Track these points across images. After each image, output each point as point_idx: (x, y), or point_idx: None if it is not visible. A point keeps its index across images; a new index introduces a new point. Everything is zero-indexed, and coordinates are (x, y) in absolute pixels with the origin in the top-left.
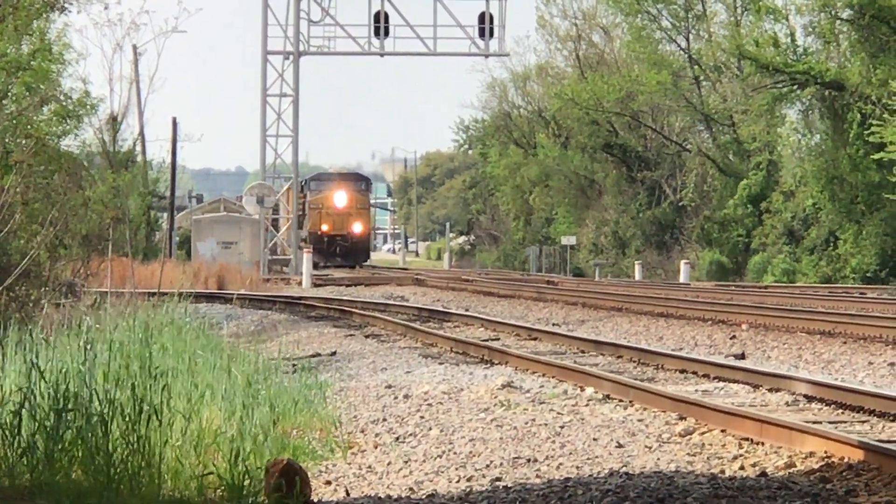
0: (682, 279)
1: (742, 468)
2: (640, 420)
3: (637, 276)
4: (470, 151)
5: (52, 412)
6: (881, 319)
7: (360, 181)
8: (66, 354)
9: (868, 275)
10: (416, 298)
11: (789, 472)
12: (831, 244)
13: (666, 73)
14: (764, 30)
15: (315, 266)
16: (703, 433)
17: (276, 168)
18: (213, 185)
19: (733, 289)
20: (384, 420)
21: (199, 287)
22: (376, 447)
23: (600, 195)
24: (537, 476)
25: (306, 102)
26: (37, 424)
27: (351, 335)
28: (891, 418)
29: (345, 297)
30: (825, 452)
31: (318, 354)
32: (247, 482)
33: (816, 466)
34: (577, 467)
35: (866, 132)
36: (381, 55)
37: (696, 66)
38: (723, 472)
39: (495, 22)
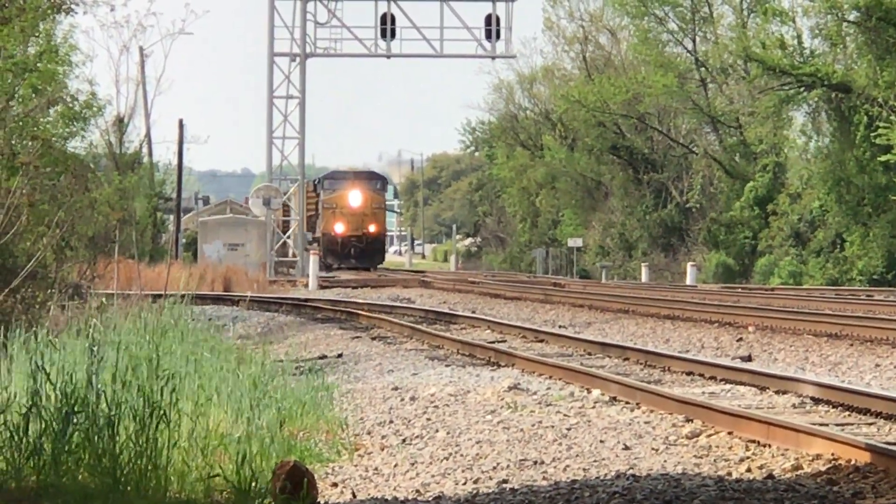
0: (688, 281)
1: (749, 470)
2: (646, 422)
3: (644, 278)
4: (476, 153)
5: (59, 414)
6: (888, 322)
7: (375, 180)
8: (73, 356)
9: (875, 277)
10: (423, 300)
11: (796, 475)
12: (838, 246)
13: (672, 76)
14: (770, 32)
15: (329, 268)
16: (709, 435)
17: (282, 170)
18: (220, 187)
19: (740, 291)
20: (391, 422)
21: (206, 289)
22: (383, 449)
23: (607, 197)
24: (544, 478)
25: (313, 104)
26: (43, 426)
27: (357, 337)
28: None
29: (351, 300)
30: (832, 455)
31: (325, 356)
32: (253, 484)
33: (823, 469)
34: (584, 469)
35: (873, 134)
36: (388, 57)
37: (702, 69)
38: (729, 474)
39: (502, 24)
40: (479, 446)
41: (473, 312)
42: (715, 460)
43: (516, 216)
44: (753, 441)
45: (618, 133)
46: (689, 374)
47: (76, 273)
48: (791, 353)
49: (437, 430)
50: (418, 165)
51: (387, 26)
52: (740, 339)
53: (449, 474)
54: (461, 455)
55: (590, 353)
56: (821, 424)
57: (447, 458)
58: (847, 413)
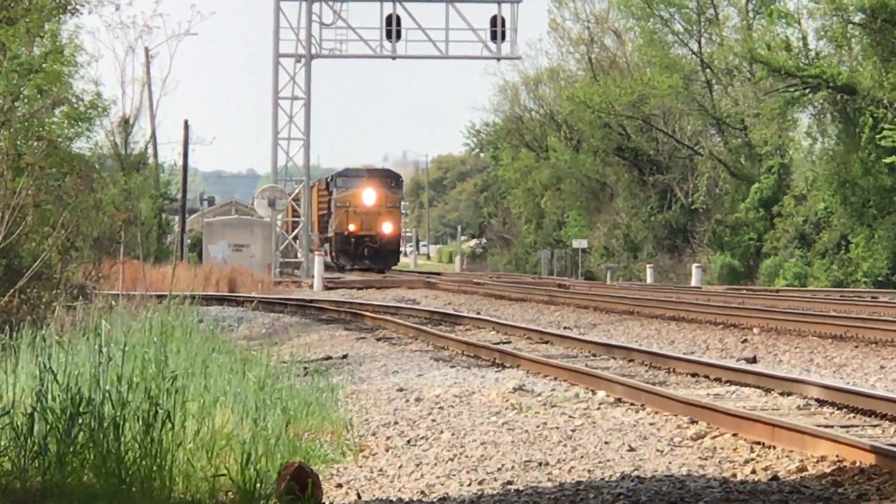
0: (693, 283)
1: (754, 472)
2: (651, 424)
3: (649, 279)
4: (481, 154)
5: (65, 415)
6: (893, 323)
7: (390, 178)
8: (79, 357)
9: (880, 279)
10: (428, 301)
11: (801, 476)
12: (843, 248)
13: (678, 77)
14: (776, 33)
15: (342, 269)
16: (714, 437)
17: (287, 171)
18: (225, 188)
19: (745, 292)
20: (395, 423)
21: (211, 290)
22: (388, 450)
23: (612, 198)
24: (549, 479)
25: (318, 105)
26: (49, 427)
27: (362, 338)
28: None
29: (356, 300)
30: (837, 456)
31: (330, 357)
32: (258, 485)
33: (828, 470)
34: (589, 471)
35: (878, 136)
36: (393, 58)
37: (707, 70)
38: (734, 475)
39: (507, 25)
40: (483, 447)
41: (478, 313)
42: (720, 462)
43: (521, 217)
44: (758, 443)
45: (623, 134)
46: (694, 375)
47: (81, 274)
48: (796, 355)
49: (441, 432)
50: (423, 166)
51: (392, 27)
52: (745, 340)
53: (454, 475)
54: (466, 456)
55: (595, 355)
56: (826, 426)
57: (452, 460)
58: (852, 415)
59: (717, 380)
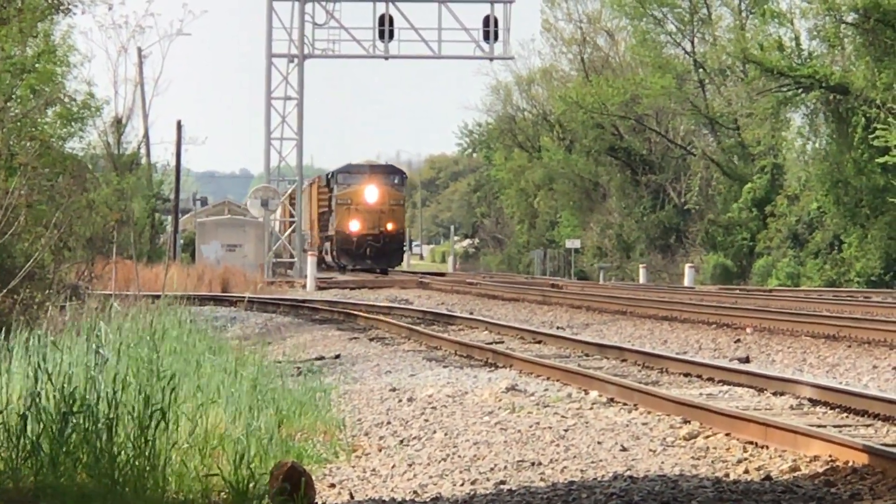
0: (686, 283)
1: (746, 472)
2: (644, 423)
3: (641, 279)
4: (474, 154)
5: (58, 415)
6: (886, 323)
7: (394, 174)
8: (72, 357)
9: (873, 278)
10: (421, 301)
11: (794, 476)
12: (836, 248)
13: (670, 77)
14: (769, 33)
15: (342, 269)
16: (707, 437)
17: (280, 171)
18: (218, 188)
19: (738, 292)
20: (388, 423)
21: (204, 290)
22: (380, 450)
23: (605, 198)
24: (541, 479)
25: (311, 105)
26: (42, 427)
27: (355, 338)
28: (895, 422)
29: (349, 300)
30: (830, 456)
31: (323, 357)
32: (251, 485)
33: (821, 470)
34: (582, 471)
35: (871, 136)
36: (386, 58)
37: (700, 70)
38: (727, 475)
39: (500, 25)
40: (476, 447)
41: (471, 313)
42: (712, 462)
43: (514, 217)
44: (751, 442)
45: (616, 134)
46: (686, 375)
47: (74, 274)
48: (789, 355)
49: (434, 431)
50: (416, 166)
51: (385, 27)
52: (738, 340)
53: (446, 475)
54: (459, 456)
55: (587, 355)
56: (818, 426)
57: (445, 459)
58: (845, 414)
59: (710, 379)
